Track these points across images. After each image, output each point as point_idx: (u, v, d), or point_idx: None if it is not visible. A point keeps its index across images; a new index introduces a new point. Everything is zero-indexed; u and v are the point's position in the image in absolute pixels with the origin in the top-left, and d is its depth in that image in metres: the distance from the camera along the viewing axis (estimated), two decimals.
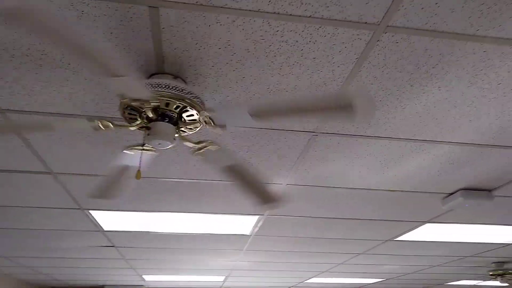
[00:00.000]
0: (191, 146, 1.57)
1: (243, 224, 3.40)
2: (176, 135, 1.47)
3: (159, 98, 1.41)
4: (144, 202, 2.88)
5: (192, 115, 1.49)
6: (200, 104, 1.47)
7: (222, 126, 1.49)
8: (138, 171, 1.35)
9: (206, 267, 5.36)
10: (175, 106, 1.44)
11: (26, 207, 2.94)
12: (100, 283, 6.69)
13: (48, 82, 1.54)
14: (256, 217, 3.23)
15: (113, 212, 3.10)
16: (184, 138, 1.54)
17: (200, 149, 1.55)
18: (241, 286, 7.24)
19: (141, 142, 1.80)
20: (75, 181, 2.49)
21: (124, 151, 1.54)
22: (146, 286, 7.17)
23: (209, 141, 1.54)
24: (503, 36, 1.34)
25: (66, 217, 3.20)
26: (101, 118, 1.51)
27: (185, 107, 1.46)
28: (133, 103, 1.42)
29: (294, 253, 4.54)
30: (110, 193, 1.86)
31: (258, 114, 1.32)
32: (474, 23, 1.28)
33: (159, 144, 1.45)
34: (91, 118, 1.44)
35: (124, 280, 6.48)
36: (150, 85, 1.40)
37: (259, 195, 1.86)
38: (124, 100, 1.39)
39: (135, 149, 1.53)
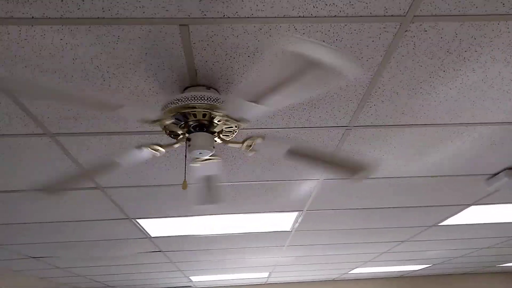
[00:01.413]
0: (238, 146, 1.63)
1: (283, 221, 3.45)
2: (219, 141, 1.53)
3: (186, 110, 1.46)
4: (186, 207, 2.98)
5: (219, 118, 1.55)
6: (217, 105, 1.48)
7: (241, 120, 1.50)
8: (184, 181, 1.42)
9: (249, 264, 5.46)
10: (203, 115, 1.50)
11: (80, 221, 3.12)
12: (149, 286, 6.95)
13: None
14: (295, 213, 3.26)
15: (158, 219, 3.23)
16: (227, 142, 1.61)
17: (249, 145, 1.61)
18: (285, 280, 7.31)
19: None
20: (122, 193, 2.62)
21: (191, 164, 1.64)
22: (194, 286, 7.38)
23: (254, 136, 1.59)
24: None
25: (115, 227, 3.36)
26: (150, 144, 1.60)
27: (210, 113, 1.51)
28: (158, 123, 1.50)
29: (336, 245, 4.54)
30: (212, 199, 2.01)
31: (258, 98, 1.29)
32: (505, 1, 1.25)
33: (200, 153, 1.52)
34: (140, 147, 1.54)
35: (172, 283, 6.71)
36: (184, 98, 1.46)
37: (343, 166, 1.76)
38: (146, 123, 1.48)
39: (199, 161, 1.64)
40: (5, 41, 1.27)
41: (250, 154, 1.68)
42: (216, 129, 1.54)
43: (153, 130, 1.86)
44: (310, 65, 1.08)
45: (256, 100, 1.29)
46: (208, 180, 1.90)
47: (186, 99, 1.45)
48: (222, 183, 2.56)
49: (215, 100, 1.45)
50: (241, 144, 1.64)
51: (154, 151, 1.61)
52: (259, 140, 1.61)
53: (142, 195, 2.67)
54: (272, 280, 7.11)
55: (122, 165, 1.59)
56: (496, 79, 1.63)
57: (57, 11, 1.17)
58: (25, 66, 1.39)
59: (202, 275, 6.09)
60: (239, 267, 5.61)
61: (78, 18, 1.20)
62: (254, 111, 1.36)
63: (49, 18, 1.19)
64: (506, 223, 3.94)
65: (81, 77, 1.47)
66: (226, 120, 1.47)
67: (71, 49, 1.33)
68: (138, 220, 3.20)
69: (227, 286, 7.46)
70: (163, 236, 3.76)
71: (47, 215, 2.92)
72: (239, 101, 1.31)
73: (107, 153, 2.03)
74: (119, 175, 2.33)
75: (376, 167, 1.89)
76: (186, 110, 1.47)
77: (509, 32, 1.38)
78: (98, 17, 1.21)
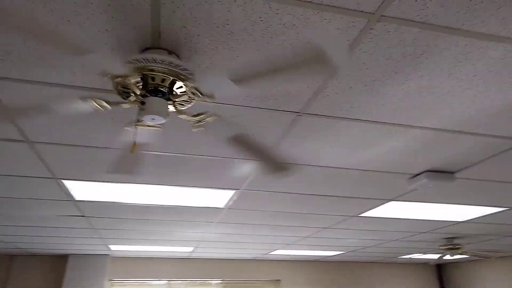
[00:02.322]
0: (188, 119, 1.59)
1: (219, 197, 3.47)
2: (173, 109, 1.48)
3: (146, 73, 1.41)
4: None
5: (181, 87, 1.51)
6: (187, 75, 1.47)
7: (210, 96, 1.50)
8: (133, 144, 1.36)
9: (175, 238, 5.43)
10: (162, 80, 1.45)
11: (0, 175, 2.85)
12: (64, 252, 6.60)
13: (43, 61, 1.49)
14: (232, 191, 3.30)
15: (87, 182, 3.07)
16: (180, 112, 1.56)
17: (199, 121, 1.58)
18: (208, 256, 7.41)
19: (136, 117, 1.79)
20: (51, 151, 2.43)
21: (125, 127, 1.54)
22: (111, 255, 7.16)
23: (208, 113, 1.56)
24: (484, 32, 1.43)
25: (37, 186, 3.12)
26: (96, 98, 1.49)
27: (174, 80, 1.47)
28: (117, 80, 1.41)
29: (263, 226, 4.69)
30: (127, 168, 1.87)
31: (239, 79, 1.31)
32: (460, 18, 1.37)
33: (153, 119, 1.46)
34: (85, 99, 1.43)
35: (89, 250, 6.44)
36: (143, 60, 1.39)
37: (269, 161, 1.87)
38: (106, 77, 1.39)
39: (138, 125, 1.54)
40: None
41: (195, 130, 1.65)
42: (175, 98, 1.49)
43: (99, 87, 1.74)
44: (302, 54, 1.10)
45: (237, 80, 1.28)
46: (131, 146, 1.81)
47: (149, 60, 1.38)
48: (160, 153, 2.49)
49: (182, 68, 1.41)
50: (192, 118, 1.61)
51: (98, 106, 1.51)
52: (211, 119, 1.59)
53: (72, 155, 2.50)
54: (195, 255, 7.16)
55: (61, 112, 1.46)
56: (437, 87, 1.78)
57: None
58: None
59: (123, 244, 5.93)
60: (164, 239, 5.56)
61: None
62: (227, 90, 1.34)
63: None
64: (416, 219, 4.37)
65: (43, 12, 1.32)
66: (192, 92, 1.43)
67: None
68: (63, 181, 3.01)
69: (147, 257, 7.35)
70: (89, 201, 3.58)
71: None
72: (219, 77, 1.28)
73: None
74: (52, 131, 2.16)
75: (291, 170, 2.04)
76: (151, 73, 1.41)
77: (457, 46, 1.51)
78: None
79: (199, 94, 1.50)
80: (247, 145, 1.72)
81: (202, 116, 1.58)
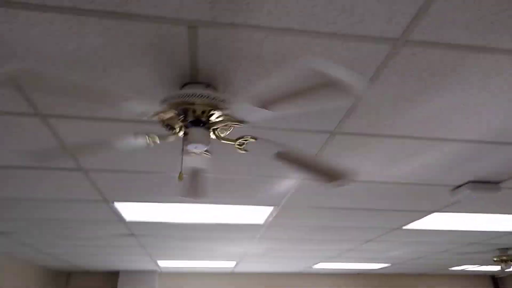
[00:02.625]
0: (230, 143, 1.71)
1: (258, 214, 3.56)
2: (213, 136, 1.60)
3: (187, 106, 1.53)
4: (166, 195, 3.03)
5: (218, 115, 1.62)
6: (223, 104, 1.57)
7: (244, 121, 1.59)
8: (180, 173, 1.49)
9: (218, 253, 5.56)
10: (201, 112, 1.57)
11: (58, 200, 3.11)
12: (116, 268, 6.93)
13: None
14: (271, 208, 3.38)
15: (135, 204, 3.26)
16: (222, 138, 1.68)
17: (241, 144, 1.69)
18: (251, 271, 7.48)
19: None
20: (102, 176, 2.64)
21: (183, 156, 1.70)
22: (160, 271, 7.42)
23: (247, 136, 1.67)
24: (511, 48, 1.44)
25: (92, 209, 3.36)
26: (148, 134, 1.64)
27: (212, 110, 1.59)
28: (159, 116, 1.55)
29: (305, 240, 4.71)
30: (197, 193, 2.05)
31: (264, 103, 1.38)
32: (486, 37, 1.39)
33: (196, 147, 1.59)
34: (137, 134, 1.58)
35: (139, 266, 6.72)
36: (184, 95, 1.52)
37: (325, 173, 1.87)
38: (147, 116, 1.53)
39: (186, 154, 1.69)
40: (13, 23, 1.28)
41: (241, 152, 1.76)
42: (214, 126, 1.61)
43: (146, 120, 1.90)
44: (322, 82, 1.17)
45: (263, 105, 1.38)
46: (195, 174, 1.97)
47: (188, 95, 1.51)
48: (208, 175, 2.63)
49: (218, 99, 1.52)
50: (233, 142, 1.72)
51: (150, 141, 1.66)
52: (251, 141, 1.69)
53: (123, 179, 2.70)
54: (239, 269, 7.26)
55: (117, 149, 1.62)
56: (470, 102, 1.78)
57: (70, 0, 1.20)
58: (27, 50, 1.40)
59: (169, 260, 6.15)
60: (208, 255, 5.71)
61: (91, 10, 1.24)
62: (258, 115, 1.44)
63: (61, 7, 1.22)
64: (461, 230, 4.22)
65: (81, 66, 1.50)
66: (227, 119, 1.54)
67: (78, 37, 1.36)
68: (115, 203, 3.22)
69: (193, 272, 7.55)
70: (137, 221, 3.79)
71: (25, 191, 2.89)
72: (245, 104, 1.38)
73: (96, 138, 2.05)
74: (103, 159, 2.35)
75: (353, 176, 2.01)
76: (187, 106, 1.54)
77: (486, 62, 1.52)
78: (110, 11, 1.25)
79: (234, 120, 1.60)
80: (296, 160, 1.77)
81: (242, 139, 1.69)
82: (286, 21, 1.31)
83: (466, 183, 2.79)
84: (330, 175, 1.90)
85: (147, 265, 6.65)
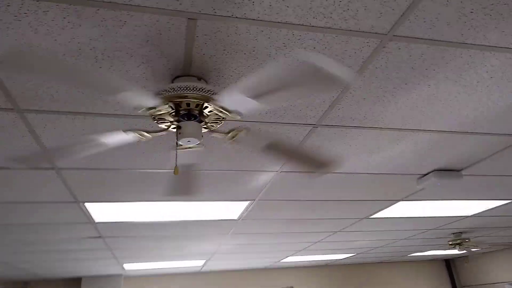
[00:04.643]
0: (221, 137, 1.72)
1: (233, 209, 3.58)
2: (205, 130, 1.61)
3: (178, 100, 1.53)
4: (141, 193, 2.97)
5: (209, 108, 1.63)
6: (214, 97, 1.58)
7: (235, 113, 1.60)
8: (176, 167, 1.48)
9: (188, 252, 5.51)
10: (194, 105, 1.57)
11: (25, 203, 2.94)
12: (78, 275, 6.65)
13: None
14: (247, 203, 3.41)
15: (105, 204, 3.16)
16: (213, 131, 1.68)
17: (232, 137, 1.70)
18: (219, 269, 7.47)
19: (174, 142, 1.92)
20: (75, 176, 2.54)
21: (173, 150, 1.67)
22: (125, 275, 7.21)
23: (239, 128, 1.69)
24: (485, 44, 1.58)
25: (60, 210, 3.22)
26: (137, 129, 1.61)
27: (203, 103, 1.59)
28: (151, 111, 1.54)
29: (276, 234, 4.79)
30: (185, 190, 2.00)
31: (257, 95, 1.41)
32: (464, 33, 1.51)
33: (188, 141, 1.59)
34: (127, 131, 1.55)
35: (103, 270, 6.49)
36: (176, 88, 1.51)
37: (311, 162, 1.93)
38: (140, 110, 1.51)
39: (178, 148, 1.67)
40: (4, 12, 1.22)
41: (231, 145, 1.78)
42: (206, 119, 1.61)
43: (134, 114, 1.86)
44: (311, 73, 1.22)
45: (254, 97, 1.40)
46: (186, 171, 1.95)
47: (182, 88, 1.51)
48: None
49: (210, 92, 1.53)
50: (225, 135, 1.73)
51: (140, 136, 1.64)
52: (243, 133, 1.72)
53: (96, 178, 2.61)
54: (206, 268, 7.23)
55: (108, 145, 1.59)
56: (444, 94, 1.92)
57: None
58: (16, 39, 1.34)
59: (136, 262, 5.99)
60: (177, 255, 5.63)
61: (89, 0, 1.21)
62: (249, 107, 1.46)
63: None
64: (423, 217, 4.50)
65: (72, 56, 1.45)
66: (219, 111, 1.55)
67: (72, 28, 1.32)
68: (85, 204, 3.11)
69: (159, 274, 7.40)
70: (108, 222, 3.67)
71: None
72: (239, 95, 1.40)
73: (79, 135, 1.98)
74: (78, 158, 2.27)
75: (338, 164, 2.10)
76: (179, 99, 1.53)
77: (461, 57, 1.65)
78: (110, 1, 1.22)
79: (226, 112, 1.62)
80: (284, 151, 1.81)
81: (234, 131, 1.70)
82: (285, 14, 1.34)
83: (432, 172, 2.98)
84: (316, 164, 1.98)
85: (111, 269, 6.43)
